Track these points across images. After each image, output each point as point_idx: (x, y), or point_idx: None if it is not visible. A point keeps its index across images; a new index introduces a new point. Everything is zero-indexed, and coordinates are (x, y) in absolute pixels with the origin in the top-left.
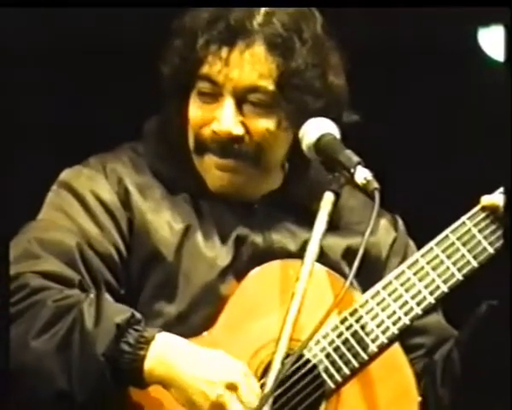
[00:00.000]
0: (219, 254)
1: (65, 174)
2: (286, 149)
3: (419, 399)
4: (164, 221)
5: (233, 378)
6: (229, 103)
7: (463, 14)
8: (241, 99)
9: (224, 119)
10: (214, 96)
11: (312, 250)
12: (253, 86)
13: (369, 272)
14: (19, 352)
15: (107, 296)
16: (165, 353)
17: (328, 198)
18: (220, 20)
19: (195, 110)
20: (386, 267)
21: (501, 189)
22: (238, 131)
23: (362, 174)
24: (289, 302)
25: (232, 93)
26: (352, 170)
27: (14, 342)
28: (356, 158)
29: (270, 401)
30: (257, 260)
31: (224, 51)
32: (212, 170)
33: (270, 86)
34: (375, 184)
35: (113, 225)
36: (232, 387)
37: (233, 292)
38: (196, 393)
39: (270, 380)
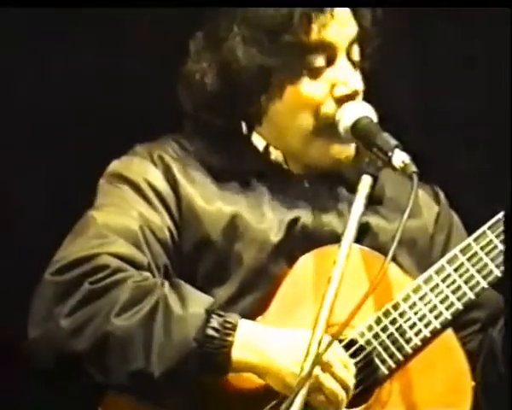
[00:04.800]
0: (269, 234)
1: (115, 165)
2: None
3: (473, 384)
4: (213, 206)
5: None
6: (345, 63)
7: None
8: (349, 55)
9: (348, 79)
10: (328, 62)
11: (349, 234)
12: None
13: (421, 255)
14: (99, 328)
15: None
16: (253, 340)
17: (365, 181)
18: None
19: (309, 89)
20: (433, 245)
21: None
22: (360, 85)
23: (400, 158)
24: (326, 287)
25: (345, 50)
26: (390, 153)
27: (94, 319)
28: (393, 141)
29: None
30: (307, 243)
31: (325, 16)
32: (334, 144)
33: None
34: (413, 168)
35: (166, 210)
36: (324, 365)
37: (284, 277)
38: (290, 375)
39: (307, 365)
